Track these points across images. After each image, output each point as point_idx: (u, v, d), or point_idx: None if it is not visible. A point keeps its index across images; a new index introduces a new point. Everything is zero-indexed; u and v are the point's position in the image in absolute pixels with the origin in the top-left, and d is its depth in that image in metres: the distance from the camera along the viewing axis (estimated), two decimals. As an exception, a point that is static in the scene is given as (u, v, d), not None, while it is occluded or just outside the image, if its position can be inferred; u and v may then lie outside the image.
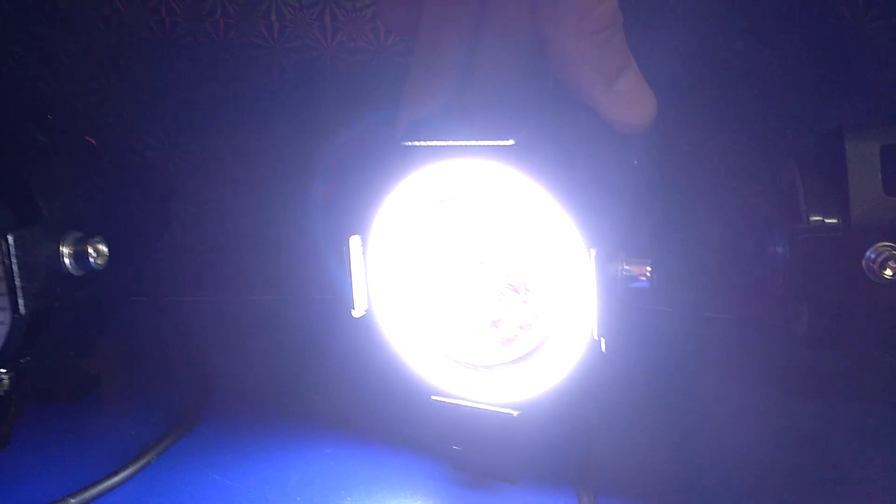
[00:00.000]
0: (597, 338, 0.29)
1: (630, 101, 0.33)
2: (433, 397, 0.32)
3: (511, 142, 0.28)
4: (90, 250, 0.35)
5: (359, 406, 0.39)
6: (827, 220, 0.36)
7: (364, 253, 0.32)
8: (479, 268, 0.31)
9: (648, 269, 0.29)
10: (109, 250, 0.36)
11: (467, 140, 0.29)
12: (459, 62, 0.33)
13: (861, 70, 0.49)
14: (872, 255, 0.35)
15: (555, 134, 0.31)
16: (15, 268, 0.32)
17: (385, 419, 0.37)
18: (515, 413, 0.31)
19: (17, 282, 0.32)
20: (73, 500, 0.31)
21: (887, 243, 0.35)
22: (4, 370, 0.36)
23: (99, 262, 0.35)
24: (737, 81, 0.51)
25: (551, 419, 0.31)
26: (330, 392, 0.41)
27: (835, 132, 0.37)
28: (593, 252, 0.28)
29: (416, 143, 0.30)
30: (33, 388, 0.36)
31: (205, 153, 0.56)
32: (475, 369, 0.32)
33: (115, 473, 0.33)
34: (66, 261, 0.35)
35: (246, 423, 0.38)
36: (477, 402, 0.31)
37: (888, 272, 0.35)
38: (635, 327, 0.34)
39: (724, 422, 0.37)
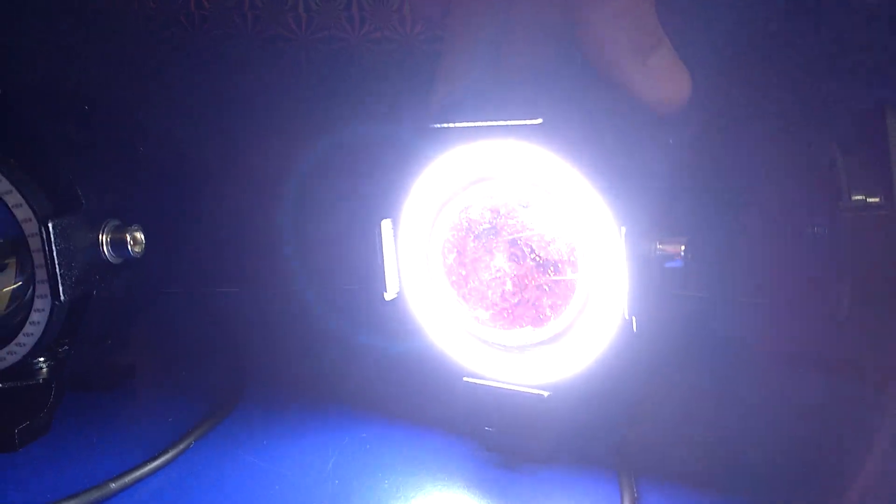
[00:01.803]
0: (628, 317, 0.28)
1: (663, 77, 0.32)
2: (465, 379, 0.32)
3: (539, 120, 0.28)
4: (128, 238, 0.35)
5: (393, 389, 0.39)
6: (869, 199, 0.35)
7: (395, 236, 0.33)
8: (510, 248, 0.31)
9: (683, 247, 0.29)
10: (146, 239, 0.36)
11: (496, 120, 0.29)
12: (490, 44, 0.33)
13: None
14: (916, 232, 0.34)
15: (584, 112, 0.30)
16: (55, 255, 0.33)
17: (419, 402, 0.37)
18: (546, 394, 0.30)
19: (58, 269, 0.33)
20: (113, 485, 0.32)
21: (932, 219, 0.34)
22: (43, 359, 0.36)
23: (136, 249, 0.36)
24: (774, 61, 0.50)
25: (583, 400, 0.31)
26: (364, 376, 0.41)
27: (874, 110, 0.36)
28: (623, 230, 0.28)
29: (446, 126, 0.30)
30: (70, 377, 0.37)
31: (236, 145, 0.57)
32: (507, 351, 0.32)
33: (154, 458, 0.33)
34: (105, 249, 0.35)
35: (283, 408, 0.38)
36: (509, 384, 0.31)
37: (933, 249, 0.34)
38: (670, 310, 0.34)
39: (761, 404, 0.37)
